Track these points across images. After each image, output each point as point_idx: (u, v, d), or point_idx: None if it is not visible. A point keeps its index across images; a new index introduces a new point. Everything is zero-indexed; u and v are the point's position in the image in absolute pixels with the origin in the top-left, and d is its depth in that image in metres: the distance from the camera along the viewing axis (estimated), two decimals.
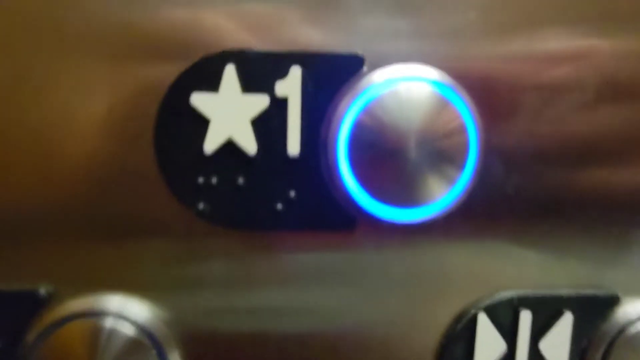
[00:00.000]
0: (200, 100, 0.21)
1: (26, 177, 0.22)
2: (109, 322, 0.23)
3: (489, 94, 0.23)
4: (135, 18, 0.21)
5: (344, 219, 0.23)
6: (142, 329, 0.23)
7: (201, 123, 0.21)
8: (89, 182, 0.22)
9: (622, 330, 0.25)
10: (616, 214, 0.25)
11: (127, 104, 0.21)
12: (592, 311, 0.25)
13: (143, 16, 0.21)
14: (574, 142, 0.24)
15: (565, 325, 0.25)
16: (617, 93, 0.23)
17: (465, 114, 0.22)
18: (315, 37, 0.21)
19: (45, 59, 0.21)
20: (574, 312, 0.25)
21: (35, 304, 0.23)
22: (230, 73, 0.21)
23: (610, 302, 0.25)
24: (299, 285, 0.24)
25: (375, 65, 0.22)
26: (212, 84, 0.21)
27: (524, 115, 0.23)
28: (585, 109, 0.23)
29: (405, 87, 0.22)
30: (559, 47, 0.23)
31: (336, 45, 0.22)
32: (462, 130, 0.22)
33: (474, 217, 0.24)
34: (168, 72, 0.21)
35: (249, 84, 0.21)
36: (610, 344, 0.25)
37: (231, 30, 0.21)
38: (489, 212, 0.24)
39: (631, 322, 0.25)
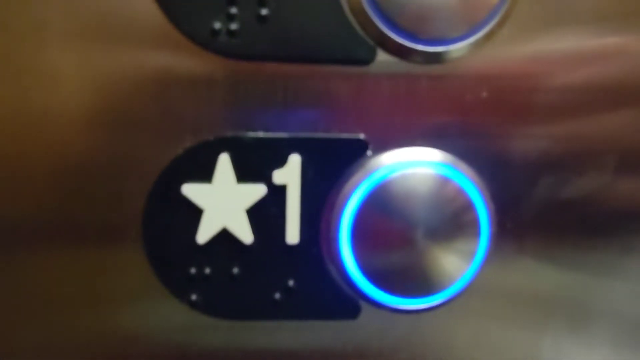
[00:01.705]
0: (192, 191, 0.20)
1: None
2: None
3: None
4: None
5: (346, 308, 0.22)
6: None
7: (193, 212, 0.20)
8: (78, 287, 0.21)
9: None
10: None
11: (115, 190, 0.20)
12: None
13: None
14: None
15: None
16: None
17: (473, 194, 0.21)
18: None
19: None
20: None
21: None
22: (224, 162, 0.19)
23: None
24: None
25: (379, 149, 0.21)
26: (205, 172, 0.20)
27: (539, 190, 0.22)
28: None
29: (411, 171, 0.20)
30: None
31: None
32: (472, 211, 0.21)
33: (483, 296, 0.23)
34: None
35: (244, 173, 0.20)
36: None
37: None
38: (495, 290, 0.23)
39: None
